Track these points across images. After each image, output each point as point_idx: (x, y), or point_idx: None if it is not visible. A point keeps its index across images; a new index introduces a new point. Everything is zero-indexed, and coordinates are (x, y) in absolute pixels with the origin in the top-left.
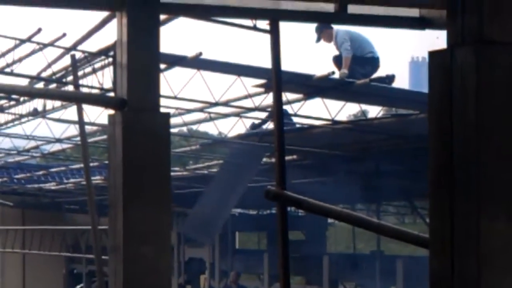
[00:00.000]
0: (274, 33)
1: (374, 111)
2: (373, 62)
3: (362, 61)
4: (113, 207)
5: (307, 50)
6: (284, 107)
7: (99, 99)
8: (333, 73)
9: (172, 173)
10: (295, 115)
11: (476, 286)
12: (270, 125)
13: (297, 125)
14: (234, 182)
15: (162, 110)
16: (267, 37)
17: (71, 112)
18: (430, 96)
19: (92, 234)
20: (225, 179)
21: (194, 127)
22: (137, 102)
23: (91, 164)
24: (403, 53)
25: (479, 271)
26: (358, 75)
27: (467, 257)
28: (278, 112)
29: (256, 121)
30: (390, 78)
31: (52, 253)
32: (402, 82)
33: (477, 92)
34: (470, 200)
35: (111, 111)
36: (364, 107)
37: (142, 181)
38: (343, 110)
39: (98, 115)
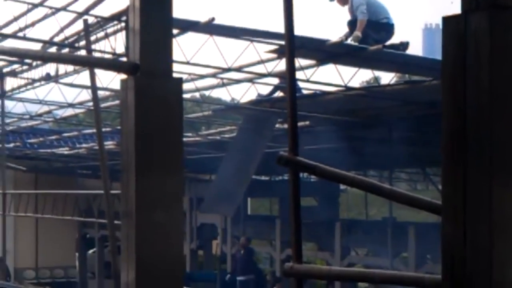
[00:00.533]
0: None
1: (387, 77)
2: (388, 28)
3: (376, 26)
4: (126, 172)
5: (320, 15)
6: (297, 73)
7: (111, 64)
8: (346, 38)
9: (184, 139)
10: (308, 81)
11: (488, 252)
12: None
13: (308, 92)
14: (250, 152)
15: (175, 75)
16: (280, 1)
17: (83, 77)
18: (443, 62)
19: (104, 199)
20: (240, 149)
21: (207, 93)
22: (149, 67)
23: (104, 129)
24: (417, 19)
25: (491, 238)
26: (371, 40)
27: (479, 224)
28: (291, 78)
29: (265, 93)
30: (404, 45)
31: (65, 217)
32: (415, 48)
33: (491, 57)
34: (483, 167)
35: (124, 76)
36: (377, 73)
37: (155, 147)
38: (356, 76)
39: (110, 80)
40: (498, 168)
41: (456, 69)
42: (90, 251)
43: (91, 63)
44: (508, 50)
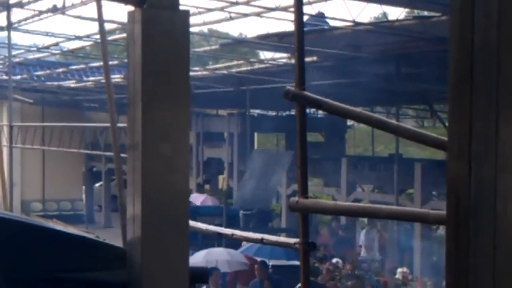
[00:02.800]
0: None
1: (395, 13)
2: None
3: None
4: (132, 105)
5: None
6: (305, 7)
7: None
8: None
9: (191, 73)
10: (323, 16)
11: (493, 188)
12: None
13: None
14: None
15: (182, 8)
16: None
17: (90, 9)
18: None
19: (111, 132)
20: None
21: (214, 27)
22: None
23: (111, 62)
24: None
25: (496, 174)
26: None
27: (485, 160)
28: (298, 12)
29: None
30: None
31: (71, 150)
32: None
33: None
34: (490, 104)
35: (131, 8)
36: (386, 8)
37: (161, 79)
38: (364, 12)
39: (117, 12)
40: (505, 105)
41: (464, 4)
42: (97, 184)
43: None
44: None
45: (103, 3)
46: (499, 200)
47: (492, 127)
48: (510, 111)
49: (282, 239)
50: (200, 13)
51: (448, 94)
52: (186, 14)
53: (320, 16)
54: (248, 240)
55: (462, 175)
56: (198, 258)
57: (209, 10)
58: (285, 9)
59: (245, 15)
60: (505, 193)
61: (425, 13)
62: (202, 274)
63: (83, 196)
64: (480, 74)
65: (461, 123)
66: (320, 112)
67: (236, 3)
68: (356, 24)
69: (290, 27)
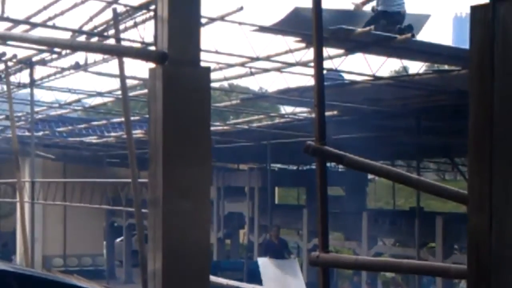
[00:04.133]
0: None
1: (415, 67)
2: (398, 17)
3: (388, 15)
4: (153, 160)
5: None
6: (325, 62)
7: (139, 53)
8: (375, 29)
9: (212, 128)
10: (336, 70)
11: None
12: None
13: (339, 81)
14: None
15: (203, 64)
16: None
17: (112, 66)
18: (471, 52)
19: (132, 187)
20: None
21: (235, 82)
22: (177, 56)
23: (132, 118)
24: (448, 9)
25: None
26: (381, 29)
27: (506, 214)
28: (318, 67)
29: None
30: (410, 28)
31: (93, 206)
32: (446, 38)
33: None
34: (510, 158)
35: (152, 65)
36: (406, 63)
37: (182, 135)
38: (385, 66)
39: (139, 68)
40: None
41: (484, 59)
42: (118, 240)
43: (119, 52)
44: None
45: (125, 60)
46: None
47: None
48: None
49: None
50: (221, 68)
51: (468, 147)
52: (207, 70)
53: (335, 70)
54: None
55: (483, 229)
56: None
57: (229, 65)
58: (305, 64)
59: (266, 70)
60: None
61: (445, 67)
62: None
63: (104, 251)
64: (499, 128)
65: (481, 177)
66: (341, 166)
67: (257, 59)
68: (376, 78)
69: (310, 81)
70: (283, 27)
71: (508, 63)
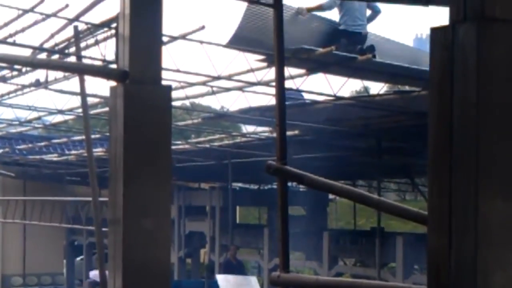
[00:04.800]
0: (278, 7)
1: (376, 87)
2: (360, 38)
3: (349, 35)
4: (114, 179)
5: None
6: (287, 82)
7: (101, 71)
8: (336, 48)
9: (173, 147)
10: (297, 90)
11: (473, 262)
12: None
13: (300, 100)
14: None
15: (164, 83)
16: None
17: (73, 84)
18: (431, 73)
19: (92, 206)
20: None
21: (197, 100)
22: (139, 74)
23: (93, 136)
24: (408, 30)
25: (476, 247)
26: (343, 49)
27: (465, 234)
28: (280, 87)
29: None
30: (371, 49)
31: (53, 224)
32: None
33: (478, 69)
34: (469, 179)
35: (113, 83)
36: (367, 83)
37: (143, 154)
38: (346, 86)
39: (100, 86)
40: (483, 179)
41: (444, 80)
42: (78, 258)
43: (80, 70)
44: (495, 62)
45: (86, 77)
46: (479, 274)
47: (471, 201)
48: (489, 186)
49: None
50: (182, 87)
51: (427, 168)
52: (168, 88)
53: (296, 90)
54: None
55: (442, 249)
56: None
57: (191, 84)
58: (266, 83)
59: (227, 89)
60: (485, 267)
61: (406, 87)
62: None
63: (64, 270)
64: (459, 149)
65: (440, 197)
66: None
67: (218, 78)
68: (337, 98)
69: (271, 101)
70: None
71: (467, 84)
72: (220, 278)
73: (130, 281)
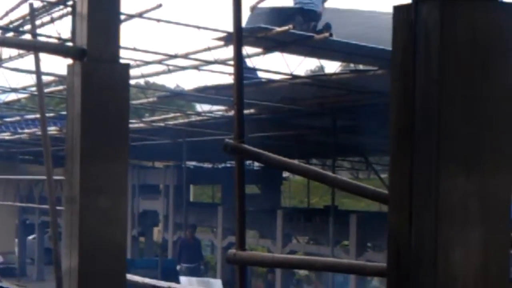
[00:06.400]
0: None
1: (332, 67)
2: (314, 15)
3: (305, 13)
4: (70, 157)
5: None
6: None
7: (58, 48)
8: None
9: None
10: (253, 69)
11: (433, 240)
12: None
13: (256, 79)
14: None
15: (121, 61)
16: None
17: (27, 62)
18: (393, 52)
19: (47, 184)
20: None
21: (151, 79)
22: (96, 52)
23: (47, 115)
24: (371, 7)
25: (437, 226)
26: (299, 28)
27: (426, 212)
28: (237, 65)
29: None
30: (327, 27)
31: (5, 203)
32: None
33: (441, 48)
34: (430, 157)
35: (70, 61)
36: (322, 62)
37: (100, 132)
38: (301, 65)
39: (54, 65)
40: (445, 157)
41: (406, 59)
42: (30, 237)
43: (36, 48)
44: (458, 40)
45: (41, 56)
46: (439, 252)
47: (432, 179)
48: (450, 164)
49: None
50: (138, 66)
51: (389, 146)
52: (126, 67)
53: (253, 69)
54: None
55: (402, 227)
56: None
57: (147, 63)
58: (223, 62)
59: (183, 68)
60: (445, 244)
61: (360, 66)
62: None
63: (16, 249)
64: (420, 127)
65: (401, 176)
66: (256, 164)
67: (175, 56)
68: (294, 77)
69: (227, 80)
70: None
71: (429, 63)
72: (183, 280)
73: (86, 260)
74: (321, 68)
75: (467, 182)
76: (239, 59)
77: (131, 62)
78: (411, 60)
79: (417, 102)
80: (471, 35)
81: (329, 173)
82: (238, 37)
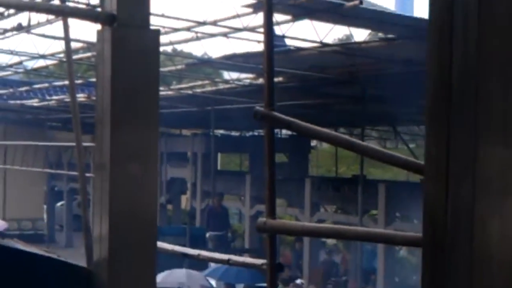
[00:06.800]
0: None
1: (360, 36)
2: None
3: None
4: (100, 124)
5: None
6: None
7: (87, 14)
8: None
9: None
10: (284, 36)
11: (470, 210)
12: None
13: (288, 47)
14: None
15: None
16: None
17: (55, 28)
18: (430, 23)
19: (76, 151)
20: None
21: (179, 47)
22: (126, 17)
23: (75, 82)
24: None
25: (474, 195)
26: None
27: (463, 182)
28: (268, 32)
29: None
30: None
31: (34, 169)
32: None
33: (479, 20)
34: (468, 126)
35: (99, 27)
36: (351, 31)
37: (130, 99)
38: (330, 34)
39: (82, 31)
40: (483, 127)
41: (443, 24)
42: (58, 204)
43: (65, 13)
44: (496, 12)
45: (70, 21)
46: (476, 222)
47: (470, 148)
48: (488, 132)
49: (249, 260)
50: (166, 32)
51: (425, 116)
52: (157, 33)
53: (280, 36)
54: (214, 261)
55: (439, 197)
56: (158, 279)
57: (175, 30)
58: (252, 29)
59: (212, 35)
60: (483, 215)
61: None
62: None
63: (45, 216)
64: (457, 95)
65: (438, 145)
66: (284, 132)
67: (203, 23)
68: (323, 45)
69: (255, 47)
70: None
71: (467, 29)
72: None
73: (116, 227)
74: (350, 37)
75: (505, 151)
76: (269, 26)
77: (160, 29)
78: (448, 25)
79: (454, 70)
80: (510, 8)
81: (360, 142)
82: (268, 3)
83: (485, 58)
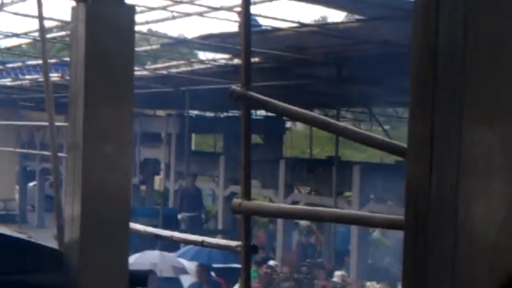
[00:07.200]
0: None
1: (337, 17)
2: None
3: None
4: (74, 103)
5: None
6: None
7: None
8: None
9: None
10: (259, 15)
11: (454, 191)
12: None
13: (262, 27)
14: None
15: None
16: None
17: (29, 7)
18: None
19: (48, 130)
20: None
21: (154, 27)
22: None
23: (49, 61)
24: None
25: (458, 176)
26: None
27: (447, 162)
28: (245, 12)
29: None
30: None
31: (6, 149)
32: None
33: None
34: (453, 105)
35: (74, 4)
36: (326, 12)
37: (105, 77)
38: (306, 16)
39: (57, 10)
40: (468, 106)
41: (428, 8)
42: (30, 184)
43: None
44: None
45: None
46: (461, 204)
47: (454, 129)
48: (474, 114)
49: (224, 242)
50: (142, 11)
51: (410, 94)
52: (132, 9)
53: (259, 15)
54: (188, 242)
55: (422, 178)
56: (130, 261)
57: (151, 8)
58: (229, 9)
59: (188, 14)
60: (467, 196)
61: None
62: (141, 277)
63: (16, 196)
64: (443, 73)
65: (422, 124)
66: (258, 113)
67: (180, 2)
68: (301, 25)
69: (230, 27)
70: None
71: (454, 7)
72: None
73: (89, 207)
74: (325, 18)
75: (491, 132)
76: (247, 5)
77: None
78: (434, 11)
79: (440, 48)
80: None
81: (339, 123)
82: None
83: (472, 37)
